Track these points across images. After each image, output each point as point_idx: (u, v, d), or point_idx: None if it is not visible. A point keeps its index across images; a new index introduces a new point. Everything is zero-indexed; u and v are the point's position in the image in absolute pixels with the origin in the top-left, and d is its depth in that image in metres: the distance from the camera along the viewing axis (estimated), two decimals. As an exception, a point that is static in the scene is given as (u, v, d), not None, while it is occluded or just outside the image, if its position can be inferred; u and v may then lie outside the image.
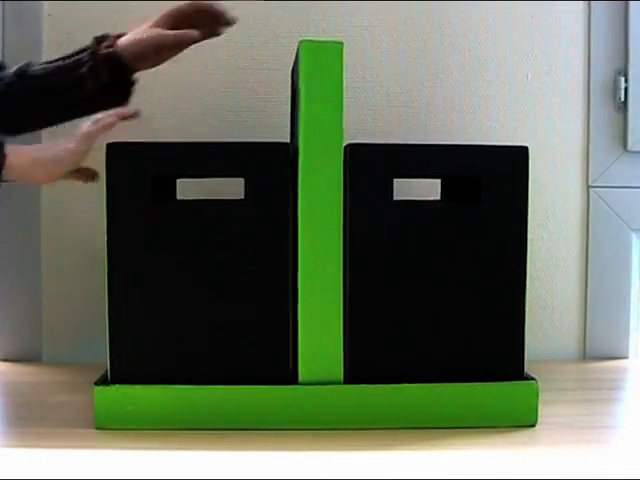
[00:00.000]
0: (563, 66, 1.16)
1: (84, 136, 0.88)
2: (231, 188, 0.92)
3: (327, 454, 0.76)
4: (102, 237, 0.83)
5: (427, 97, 1.14)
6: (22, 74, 0.93)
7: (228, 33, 1.00)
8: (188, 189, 0.97)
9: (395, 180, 0.83)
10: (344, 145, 0.82)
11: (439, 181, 0.98)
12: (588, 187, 1.17)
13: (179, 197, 0.96)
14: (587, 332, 1.17)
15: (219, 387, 0.82)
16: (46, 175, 0.87)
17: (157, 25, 0.94)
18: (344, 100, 0.81)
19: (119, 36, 0.95)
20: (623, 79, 1.15)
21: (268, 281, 0.83)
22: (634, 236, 1.17)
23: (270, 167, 0.82)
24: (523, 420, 0.83)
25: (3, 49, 1.10)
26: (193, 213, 0.82)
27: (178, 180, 0.96)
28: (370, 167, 0.83)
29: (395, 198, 0.83)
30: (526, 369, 0.85)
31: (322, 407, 0.82)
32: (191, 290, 0.82)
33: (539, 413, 0.83)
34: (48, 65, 0.94)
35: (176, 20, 0.95)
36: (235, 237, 0.82)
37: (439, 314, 0.83)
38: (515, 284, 0.84)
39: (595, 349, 1.17)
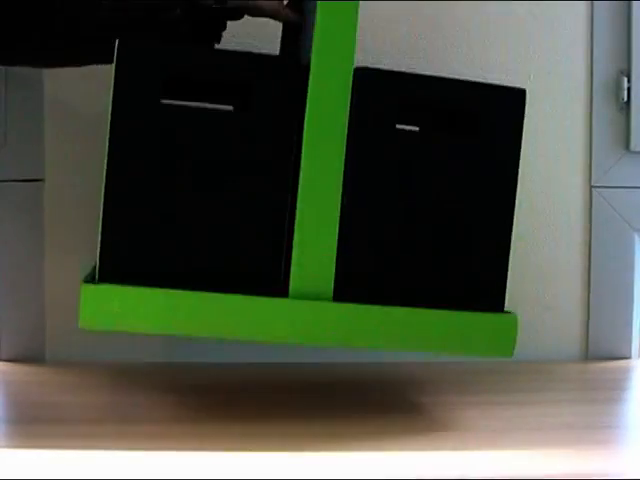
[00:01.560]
0: (565, 66, 1.16)
1: None
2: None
3: (324, 454, 0.76)
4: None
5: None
6: None
7: None
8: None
9: None
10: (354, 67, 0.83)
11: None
12: (590, 187, 1.17)
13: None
14: (589, 332, 1.17)
15: (209, 294, 0.80)
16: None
17: None
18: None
19: None
20: (626, 79, 1.15)
21: (268, 190, 0.82)
22: (636, 236, 1.17)
23: (284, 78, 0.82)
24: (500, 351, 0.85)
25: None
26: (200, 117, 0.81)
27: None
28: (376, 92, 0.84)
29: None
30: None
31: (309, 321, 0.82)
32: (189, 193, 0.81)
33: (540, 413, 0.83)
34: None
35: None
36: (239, 143, 0.82)
37: (430, 241, 0.85)
38: (503, 222, 0.86)
39: (597, 349, 1.17)
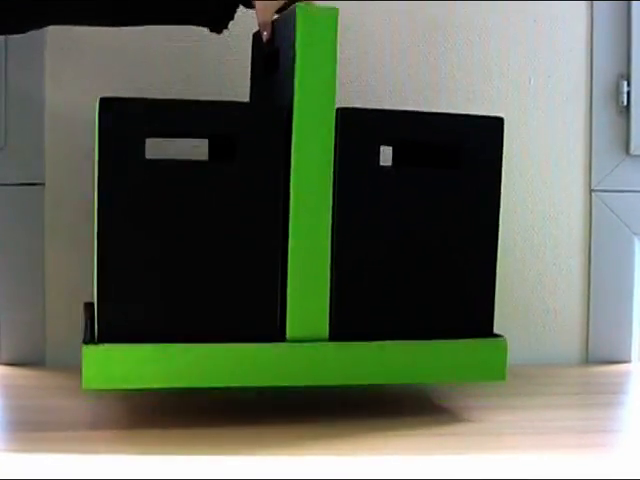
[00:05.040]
0: (565, 70, 1.16)
1: None
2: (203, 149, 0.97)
3: (322, 456, 0.76)
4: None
5: (430, 100, 1.14)
6: None
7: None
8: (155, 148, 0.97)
9: None
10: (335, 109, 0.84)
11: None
12: (590, 191, 1.17)
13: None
14: (590, 336, 1.17)
15: (208, 346, 0.82)
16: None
17: None
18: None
19: None
20: (625, 83, 1.15)
21: (259, 242, 0.83)
22: (636, 240, 1.17)
23: (268, 128, 0.83)
24: (493, 376, 0.87)
25: (4, 49, 1.10)
26: (187, 172, 0.82)
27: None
28: (358, 131, 0.85)
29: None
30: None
31: (308, 363, 0.84)
32: (181, 249, 0.82)
33: (540, 416, 0.83)
34: None
35: None
36: (228, 197, 0.83)
37: (420, 276, 0.87)
38: (488, 248, 0.88)
39: (598, 353, 1.17)
